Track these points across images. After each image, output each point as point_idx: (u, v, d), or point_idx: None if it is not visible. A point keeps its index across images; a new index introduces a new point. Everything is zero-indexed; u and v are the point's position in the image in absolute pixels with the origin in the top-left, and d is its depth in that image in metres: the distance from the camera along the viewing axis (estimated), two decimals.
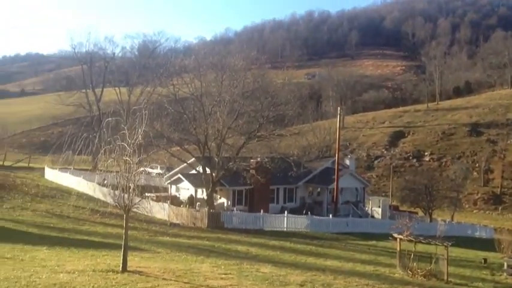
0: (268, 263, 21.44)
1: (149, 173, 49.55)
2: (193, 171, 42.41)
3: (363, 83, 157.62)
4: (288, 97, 47.40)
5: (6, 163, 62.96)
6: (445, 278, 20.27)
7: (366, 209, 50.48)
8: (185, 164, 43.61)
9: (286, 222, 38.17)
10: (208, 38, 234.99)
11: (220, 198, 43.89)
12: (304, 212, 41.82)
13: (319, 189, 48.93)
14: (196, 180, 42.22)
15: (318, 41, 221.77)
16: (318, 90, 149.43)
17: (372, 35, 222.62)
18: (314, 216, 40.20)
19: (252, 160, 42.77)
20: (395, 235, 22.00)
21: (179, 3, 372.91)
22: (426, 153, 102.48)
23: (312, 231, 37.63)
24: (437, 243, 21.50)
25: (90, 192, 39.27)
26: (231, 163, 40.31)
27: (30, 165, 64.86)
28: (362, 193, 51.36)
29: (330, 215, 41.59)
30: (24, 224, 29.85)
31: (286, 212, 39.41)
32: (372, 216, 48.49)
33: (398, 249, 21.96)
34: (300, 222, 38.70)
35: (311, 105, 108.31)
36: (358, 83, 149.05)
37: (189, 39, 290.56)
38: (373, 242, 35.49)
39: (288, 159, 48.50)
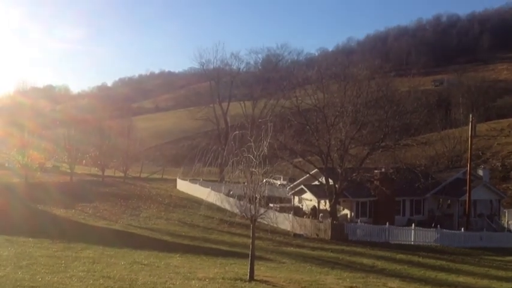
0: (396, 278, 20.91)
1: (273, 184, 50.43)
2: (316, 183, 42.45)
3: (497, 88, 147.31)
4: (414, 105, 45.94)
5: (143, 175, 67.74)
6: None
7: (502, 222, 47.06)
8: (308, 175, 43.82)
9: (413, 235, 36.82)
10: (330, 48, 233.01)
11: (343, 209, 43.41)
12: (432, 225, 39.99)
13: (449, 202, 46.52)
14: (319, 191, 42.20)
15: (446, 46, 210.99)
16: (447, 97, 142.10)
17: (506, 37, 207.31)
18: (444, 230, 38.30)
19: (376, 171, 41.79)
20: None
21: (301, 16, 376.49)
22: None
23: (442, 245, 35.90)
24: None
25: (218, 203, 40.94)
26: (354, 174, 39.76)
27: (164, 176, 69.07)
28: (497, 206, 47.91)
29: (462, 229, 39.36)
30: (159, 232, 31.93)
31: (413, 224, 38.00)
32: (509, 230, 45.06)
33: None
34: (428, 236, 37.10)
35: (439, 113, 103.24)
36: (491, 89, 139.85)
37: (311, 51, 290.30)
38: (511, 258, 33.03)
39: (414, 169, 46.70)
